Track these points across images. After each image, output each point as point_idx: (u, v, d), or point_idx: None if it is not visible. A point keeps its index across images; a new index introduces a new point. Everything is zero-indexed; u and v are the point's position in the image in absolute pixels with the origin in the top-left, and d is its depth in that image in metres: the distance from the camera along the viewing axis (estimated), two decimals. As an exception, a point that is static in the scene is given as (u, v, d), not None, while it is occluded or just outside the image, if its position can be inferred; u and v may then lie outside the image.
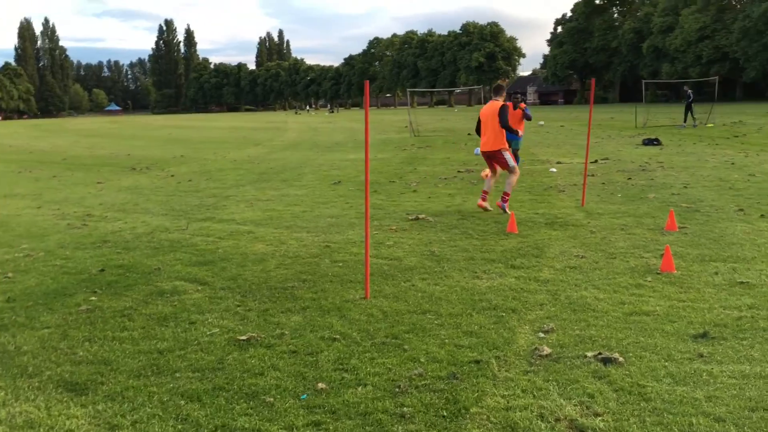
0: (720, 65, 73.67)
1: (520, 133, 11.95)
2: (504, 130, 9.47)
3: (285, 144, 29.13)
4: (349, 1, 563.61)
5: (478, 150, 20.41)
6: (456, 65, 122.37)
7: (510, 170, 9.70)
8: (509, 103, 12.33)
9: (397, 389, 3.96)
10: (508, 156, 9.69)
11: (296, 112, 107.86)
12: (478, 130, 10.10)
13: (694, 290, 5.71)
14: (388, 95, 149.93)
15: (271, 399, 3.89)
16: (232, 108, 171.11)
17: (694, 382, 3.93)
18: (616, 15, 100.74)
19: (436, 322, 5.14)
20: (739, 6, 77.21)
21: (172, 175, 16.47)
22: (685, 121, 30.55)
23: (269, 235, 8.54)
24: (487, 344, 4.63)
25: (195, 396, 3.96)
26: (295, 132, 40.65)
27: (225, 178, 15.63)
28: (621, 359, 4.28)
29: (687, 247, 7.20)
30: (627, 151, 19.29)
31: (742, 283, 5.84)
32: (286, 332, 4.97)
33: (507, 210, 9.43)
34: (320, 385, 4.05)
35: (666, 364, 4.21)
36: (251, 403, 3.87)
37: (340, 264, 6.93)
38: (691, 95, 30.64)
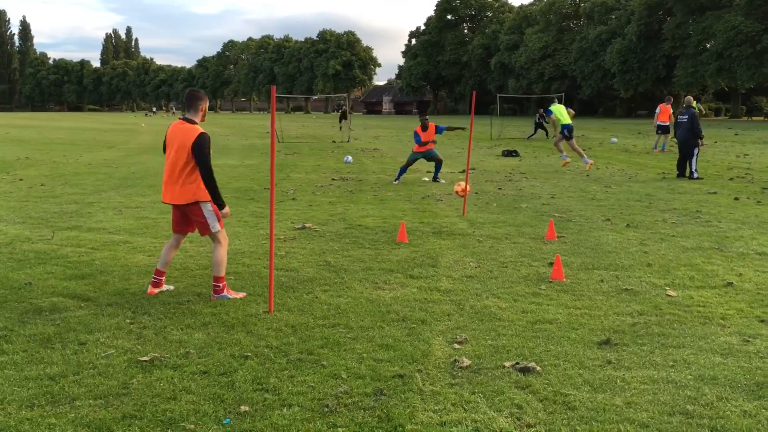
0: (560, 82, 79.15)
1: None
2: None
3: (142, 147, 27.66)
4: (201, 1, 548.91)
5: (349, 158, 20.60)
6: (313, 72, 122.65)
7: None
8: (419, 127, 14.65)
9: (326, 409, 3.80)
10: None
11: (146, 114, 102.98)
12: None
13: (586, 298, 5.98)
14: (243, 99, 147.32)
15: (192, 426, 3.60)
16: (74, 107, 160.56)
17: (611, 389, 4.08)
18: (466, 31, 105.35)
19: (348, 335, 5.01)
20: (576, 28, 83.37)
21: (21, 179, 15.08)
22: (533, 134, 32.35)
23: (149, 246, 8.00)
24: (406, 357, 4.57)
25: (104, 426, 3.57)
26: (150, 135, 38.76)
27: (83, 183, 14.52)
28: (538, 368, 4.37)
29: (569, 255, 7.57)
30: (489, 162, 20.13)
31: (626, 290, 6.20)
32: (192, 351, 4.64)
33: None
34: (243, 407, 3.80)
35: (580, 371, 4.35)
36: (169, 431, 3.55)
37: (234, 276, 6.61)
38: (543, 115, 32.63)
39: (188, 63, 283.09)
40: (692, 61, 63.04)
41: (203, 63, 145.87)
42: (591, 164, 16.95)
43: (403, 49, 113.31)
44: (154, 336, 4.95)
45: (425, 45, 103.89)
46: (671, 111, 23.51)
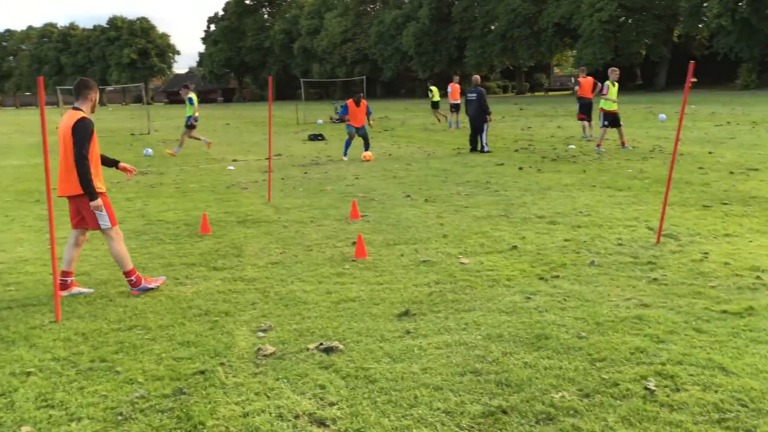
0: (362, 65, 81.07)
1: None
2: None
3: None
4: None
5: (149, 151, 19.58)
6: (106, 61, 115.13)
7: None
8: (351, 100, 15.55)
9: (119, 417, 3.60)
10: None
11: None
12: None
13: (388, 273, 6.19)
14: (28, 93, 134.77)
15: (-37, 458, 3.24)
16: None
17: (409, 358, 4.27)
18: (266, 16, 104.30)
19: (146, 336, 4.78)
20: (373, 12, 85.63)
21: None
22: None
23: None
24: (208, 352, 4.45)
25: None
26: None
27: None
28: (341, 347, 4.45)
29: (372, 233, 7.78)
30: (296, 147, 20.15)
31: (424, 261, 6.50)
32: (-37, 376, 4.17)
33: None
34: (24, 428, 3.49)
35: (381, 344, 4.50)
36: (-65, 468, 3.17)
37: (15, 287, 6.04)
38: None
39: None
40: (480, 42, 67.39)
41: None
42: (176, 154, 18.49)
43: (202, 35, 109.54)
44: None
45: (225, 31, 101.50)
46: (459, 89, 24.98)
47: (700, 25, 53.60)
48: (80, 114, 5.58)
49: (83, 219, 5.77)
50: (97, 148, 5.71)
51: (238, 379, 4.03)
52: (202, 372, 4.13)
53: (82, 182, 5.50)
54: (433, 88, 28.29)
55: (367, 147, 15.98)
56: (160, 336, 4.78)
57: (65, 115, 5.69)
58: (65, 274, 5.78)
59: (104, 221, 5.68)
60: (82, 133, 5.46)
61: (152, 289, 5.83)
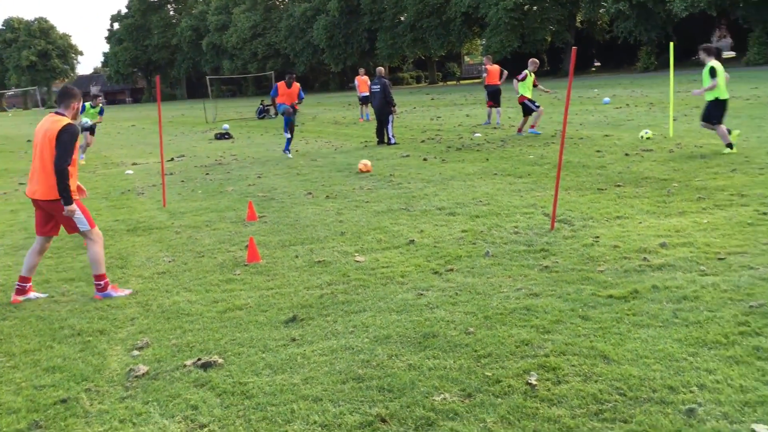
0: (274, 60, 79.85)
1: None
2: None
3: None
4: None
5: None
6: (4, 64, 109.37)
7: None
8: (282, 82, 14.54)
9: (-38, 461, 3.24)
10: None
11: None
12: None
13: (280, 276, 5.96)
14: None
15: None
16: None
17: (291, 368, 4.06)
18: (172, 12, 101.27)
19: (8, 364, 4.39)
20: (282, 6, 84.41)
21: None
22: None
23: None
24: (75, 377, 4.11)
25: None
26: None
27: None
28: (220, 361, 4.20)
29: (268, 235, 7.52)
30: (202, 147, 19.56)
31: (319, 262, 6.30)
32: None
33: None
34: None
35: (264, 355, 4.27)
36: None
37: None
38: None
39: None
40: (390, 33, 67.44)
41: None
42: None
43: (106, 34, 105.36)
44: None
45: (130, 29, 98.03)
46: (368, 81, 24.79)
47: (600, 11, 55.19)
48: (66, 120, 5.56)
49: (55, 226, 5.78)
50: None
51: (103, 406, 3.73)
52: (64, 401, 3.80)
53: (60, 187, 5.44)
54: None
55: (289, 140, 14.84)
56: (24, 362, 4.40)
57: (47, 119, 5.64)
58: (24, 279, 5.76)
59: (83, 224, 5.67)
60: (70, 139, 5.46)
61: (114, 297, 5.67)
